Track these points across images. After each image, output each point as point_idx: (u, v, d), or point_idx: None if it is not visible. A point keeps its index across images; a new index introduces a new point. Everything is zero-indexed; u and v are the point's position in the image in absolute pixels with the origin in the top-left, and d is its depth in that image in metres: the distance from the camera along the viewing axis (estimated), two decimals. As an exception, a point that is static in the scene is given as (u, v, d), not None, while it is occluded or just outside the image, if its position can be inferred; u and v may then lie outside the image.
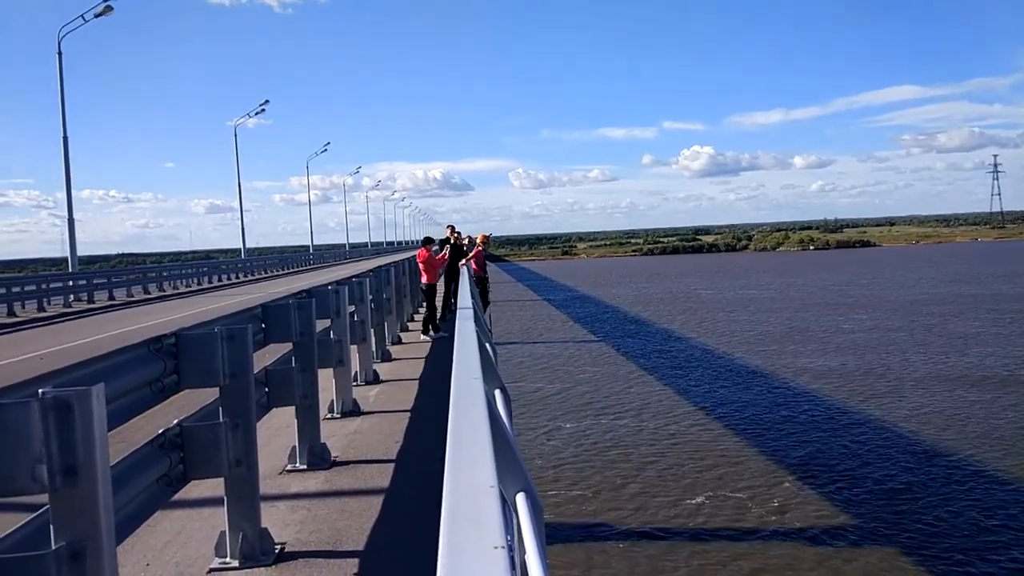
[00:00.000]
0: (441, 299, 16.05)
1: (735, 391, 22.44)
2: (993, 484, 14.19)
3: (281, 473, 5.85)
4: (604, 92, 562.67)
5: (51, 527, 2.40)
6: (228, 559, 4.08)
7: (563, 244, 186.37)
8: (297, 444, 5.96)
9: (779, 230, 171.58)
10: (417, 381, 9.90)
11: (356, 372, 9.27)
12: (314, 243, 72.29)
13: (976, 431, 17.46)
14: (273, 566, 4.10)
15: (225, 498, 4.07)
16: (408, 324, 16.10)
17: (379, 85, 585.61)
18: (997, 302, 42.38)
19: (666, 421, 19.22)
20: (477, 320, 5.56)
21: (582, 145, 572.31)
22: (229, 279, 38.84)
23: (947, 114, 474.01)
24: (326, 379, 7.25)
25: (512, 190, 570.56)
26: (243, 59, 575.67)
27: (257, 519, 4.14)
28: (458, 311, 7.71)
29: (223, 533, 4.11)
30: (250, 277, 40.83)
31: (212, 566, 4.07)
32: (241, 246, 51.72)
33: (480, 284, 16.72)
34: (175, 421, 3.86)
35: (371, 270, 12.88)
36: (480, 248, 17.57)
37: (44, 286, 24.72)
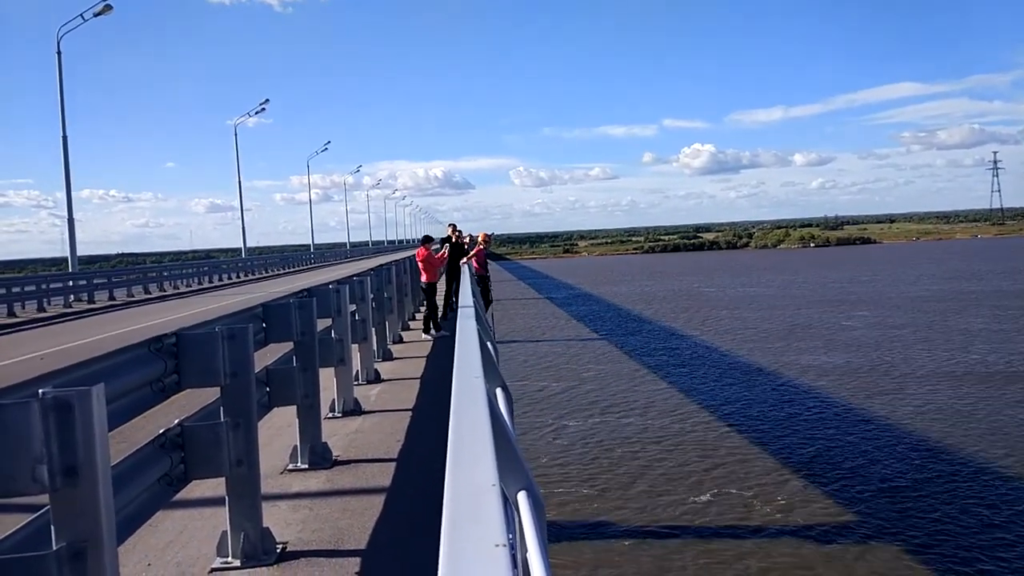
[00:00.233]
0: (442, 298, 16.04)
1: (740, 389, 22.43)
2: (998, 480, 14.19)
3: (282, 472, 5.85)
4: (605, 90, 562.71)
5: (52, 527, 2.39)
6: (230, 559, 4.08)
7: (564, 242, 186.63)
8: (298, 443, 5.96)
9: (780, 227, 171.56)
10: (418, 380, 9.90)
11: (357, 371, 9.27)
12: (315, 242, 72.33)
13: (981, 428, 17.44)
14: (275, 566, 4.09)
15: (226, 498, 4.07)
16: (409, 323, 16.10)
17: (380, 84, 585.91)
18: (998, 299, 42.37)
19: (672, 419, 19.21)
20: (478, 319, 5.56)
21: (583, 143, 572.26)
22: (230, 279, 38.84)
23: (947, 111, 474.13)
24: (327, 378, 7.25)
25: (513, 188, 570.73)
26: (243, 58, 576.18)
27: (259, 519, 4.14)
28: (459, 310, 7.71)
29: (225, 533, 4.11)
30: (251, 277, 40.83)
31: (214, 566, 4.07)
32: (242, 245, 51.75)
33: (481, 283, 16.72)
34: (176, 421, 3.86)
35: (372, 269, 12.87)
36: (481, 247, 17.57)
37: (44, 286, 24.73)
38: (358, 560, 4.17)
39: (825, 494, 13.64)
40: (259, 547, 4.11)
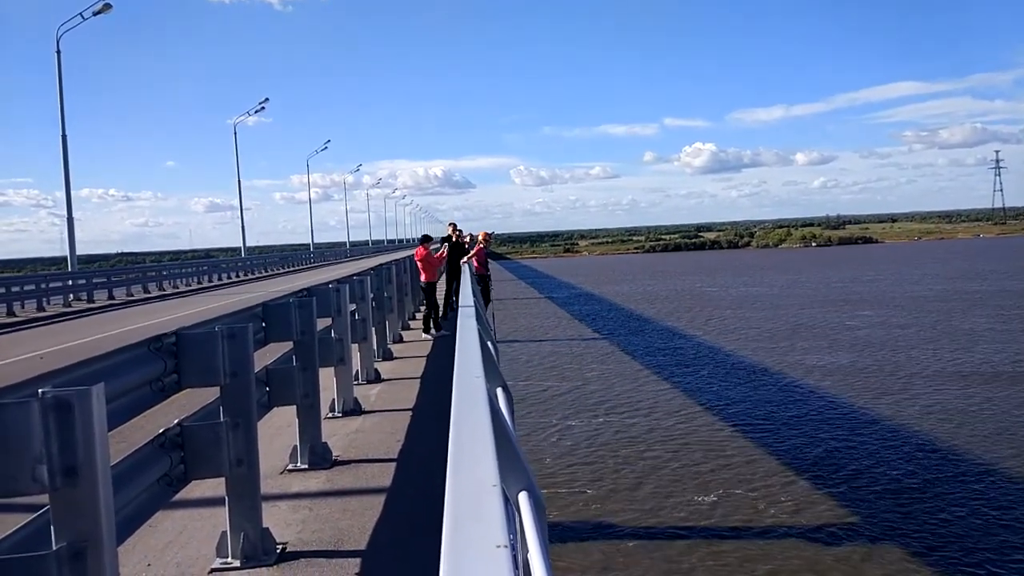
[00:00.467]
0: (442, 297, 16.03)
1: (745, 389, 22.40)
2: (1007, 482, 14.16)
3: (282, 473, 5.85)
4: (605, 89, 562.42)
5: (52, 527, 2.39)
6: (230, 559, 4.07)
7: (565, 242, 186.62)
8: (298, 443, 5.96)
9: (781, 227, 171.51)
10: (419, 380, 9.89)
11: (357, 371, 9.27)
12: (315, 241, 72.28)
13: (988, 428, 17.39)
14: (275, 566, 4.09)
15: (226, 498, 4.06)
16: (410, 322, 16.10)
17: (380, 83, 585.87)
18: (1003, 298, 42.31)
19: (677, 420, 19.18)
20: (479, 318, 5.55)
21: (583, 142, 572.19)
22: (229, 278, 38.84)
23: (949, 110, 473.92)
24: (327, 378, 7.25)
25: (514, 187, 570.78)
26: (243, 57, 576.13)
27: (258, 519, 4.13)
28: (460, 309, 7.70)
29: (224, 533, 4.10)
30: (250, 276, 40.82)
31: (214, 566, 4.07)
32: (241, 245, 51.75)
33: (482, 282, 16.71)
34: (176, 421, 3.85)
35: (372, 268, 12.87)
36: (481, 246, 17.56)
37: (43, 285, 24.73)
38: (358, 561, 4.17)
39: (832, 495, 13.62)
40: (259, 547, 4.10)
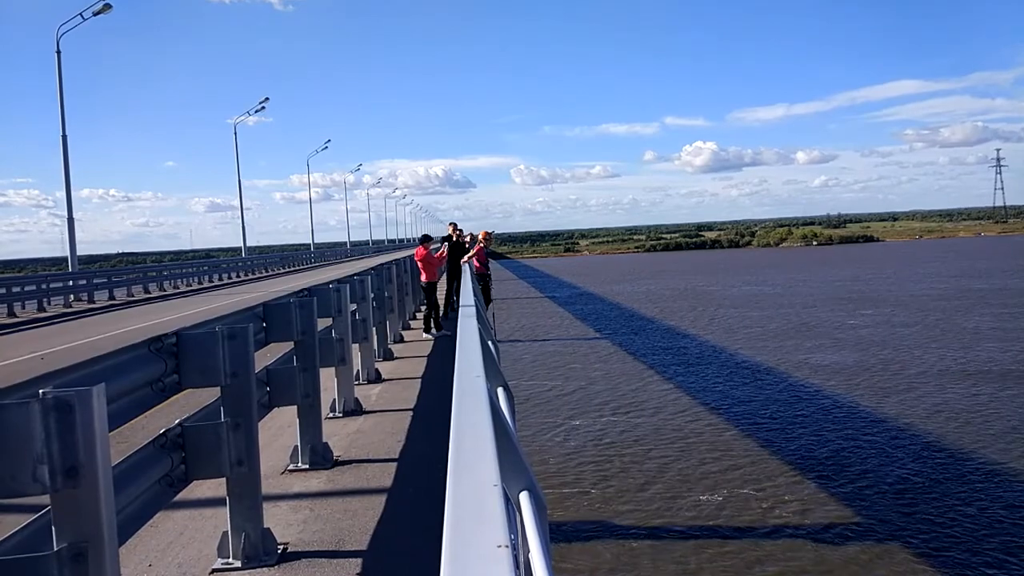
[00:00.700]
0: (443, 297, 16.02)
1: (750, 389, 22.36)
2: (1015, 481, 14.11)
3: (283, 473, 5.84)
4: (606, 88, 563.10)
5: (53, 528, 2.39)
6: (231, 560, 4.07)
7: (565, 241, 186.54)
8: (299, 443, 5.95)
9: (782, 226, 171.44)
10: (419, 380, 9.89)
11: (358, 371, 9.27)
12: (315, 241, 72.30)
13: (996, 428, 17.32)
14: (276, 566, 4.09)
15: (227, 498, 4.06)
16: (410, 322, 16.09)
17: (380, 82, 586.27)
18: (1006, 297, 42.23)
19: (684, 419, 19.14)
20: (479, 318, 5.55)
21: (584, 141, 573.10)
22: (230, 278, 38.84)
23: (949, 108, 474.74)
24: (328, 378, 7.25)
25: (514, 187, 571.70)
26: (243, 57, 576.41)
27: (259, 519, 4.13)
28: (460, 309, 7.70)
29: (225, 533, 4.10)
30: (251, 276, 40.84)
31: (215, 567, 4.06)
32: (242, 245, 51.76)
33: (482, 281, 16.70)
34: (176, 421, 3.85)
35: (373, 268, 12.86)
36: (482, 245, 17.55)
37: (44, 286, 24.72)
38: (359, 561, 4.17)
39: (839, 495, 13.60)
40: (260, 548, 4.10)
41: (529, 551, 1.73)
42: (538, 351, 30.58)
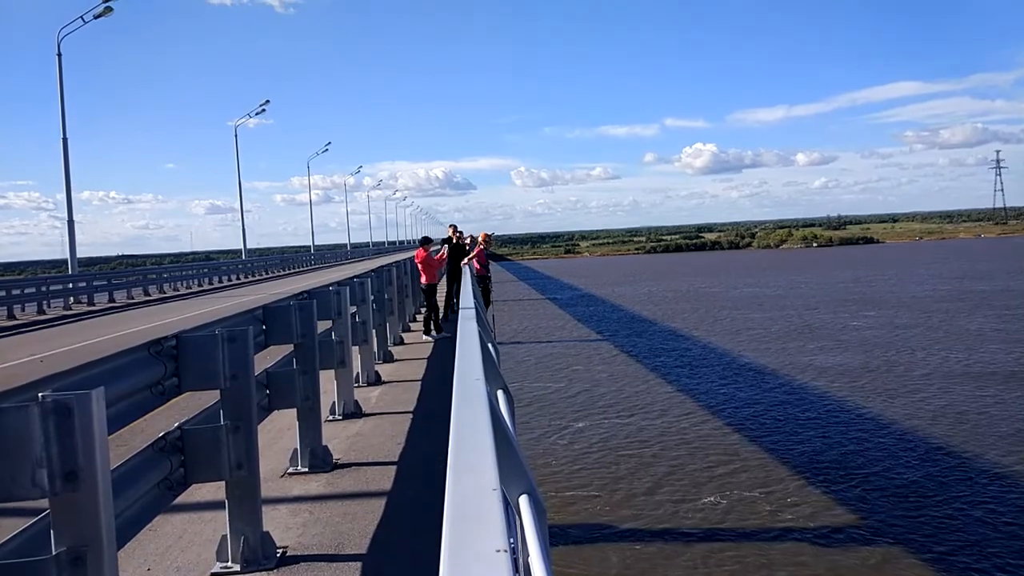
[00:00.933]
0: (443, 299, 16.02)
1: (755, 391, 22.27)
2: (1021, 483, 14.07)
3: (283, 476, 5.84)
4: (606, 89, 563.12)
5: (51, 532, 2.38)
6: (230, 563, 4.06)
7: (566, 243, 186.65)
8: (298, 446, 5.95)
9: (782, 227, 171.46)
10: (419, 382, 9.89)
11: (358, 373, 9.27)
12: (315, 243, 72.38)
13: (1003, 430, 17.23)
14: (275, 570, 4.08)
15: (226, 502, 4.06)
16: (410, 324, 16.09)
17: (380, 84, 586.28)
18: (1008, 298, 42.17)
19: (689, 422, 19.06)
20: (479, 320, 5.55)
21: (584, 143, 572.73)
22: (230, 280, 38.86)
23: (949, 110, 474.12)
24: (327, 380, 7.24)
25: (514, 189, 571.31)
26: (244, 59, 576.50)
27: (259, 523, 4.13)
28: (460, 311, 7.69)
29: (224, 537, 4.09)
30: (251, 278, 40.86)
31: (214, 570, 4.06)
32: (242, 247, 51.81)
33: (482, 283, 16.69)
34: (176, 424, 3.85)
35: (373, 270, 12.86)
36: (482, 247, 17.55)
37: (44, 288, 24.71)
38: (359, 565, 4.16)
39: (848, 498, 13.55)
40: (259, 551, 4.10)
41: (529, 555, 1.73)
42: (541, 353, 30.54)
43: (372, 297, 10.16)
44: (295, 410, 5.83)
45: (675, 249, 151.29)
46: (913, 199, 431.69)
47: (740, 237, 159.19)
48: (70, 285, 26.33)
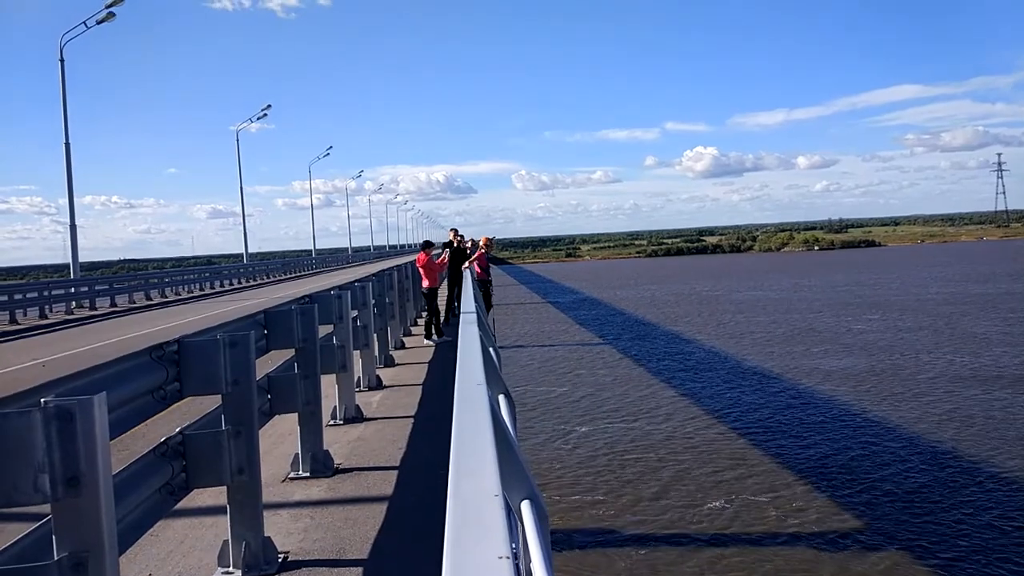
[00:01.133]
0: (444, 303, 16.02)
1: (760, 395, 22.15)
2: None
3: (284, 481, 5.83)
4: (606, 93, 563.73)
5: (53, 537, 2.38)
6: (231, 568, 4.06)
7: (567, 246, 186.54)
8: (300, 451, 5.94)
9: (783, 231, 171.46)
10: (420, 386, 9.88)
11: (359, 378, 9.26)
12: (316, 247, 72.43)
13: (1011, 434, 17.10)
14: (276, 575, 4.08)
15: (228, 507, 4.05)
16: (411, 328, 16.09)
17: (381, 89, 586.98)
18: (1011, 301, 42.05)
19: (695, 427, 18.96)
20: (480, 324, 5.54)
21: (585, 147, 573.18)
22: (231, 284, 38.89)
23: (950, 113, 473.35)
24: (328, 385, 7.23)
25: (515, 192, 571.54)
26: (246, 64, 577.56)
27: (260, 528, 4.12)
28: (461, 315, 7.70)
29: (226, 542, 4.09)
30: (252, 282, 40.89)
31: None
32: (243, 251, 51.86)
33: (483, 287, 16.71)
34: (177, 429, 3.85)
35: (374, 274, 12.86)
36: (483, 251, 17.56)
37: (46, 293, 24.75)
38: (360, 570, 4.15)
39: (856, 504, 13.47)
40: (260, 557, 4.09)
41: (531, 561, 1.72)
42: (543, 357, 30.49)
43: (373, 301, 10.16)
44: (296, 415, 5.83)
45: (676, 253, 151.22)
46: (914, 202, 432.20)
47: (741, 240, 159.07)
48: (72, 290, 26.36)
